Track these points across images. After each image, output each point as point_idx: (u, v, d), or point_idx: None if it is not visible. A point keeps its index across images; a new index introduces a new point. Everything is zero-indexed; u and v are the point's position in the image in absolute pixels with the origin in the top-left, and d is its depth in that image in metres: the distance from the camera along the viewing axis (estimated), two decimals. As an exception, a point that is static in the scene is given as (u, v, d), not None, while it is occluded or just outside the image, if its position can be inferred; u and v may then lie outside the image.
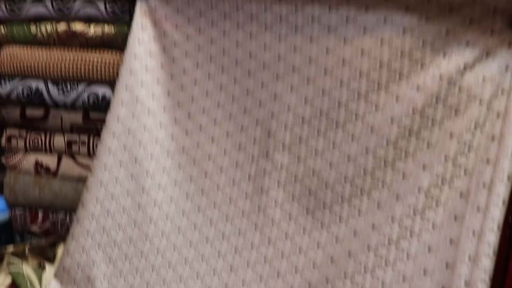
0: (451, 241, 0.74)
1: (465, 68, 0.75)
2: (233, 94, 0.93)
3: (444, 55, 0.76)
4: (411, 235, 0.78)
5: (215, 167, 0.94)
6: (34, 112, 1.08)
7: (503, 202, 0.71)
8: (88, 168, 1.06)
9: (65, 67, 1.04)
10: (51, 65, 1.05)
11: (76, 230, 0.94)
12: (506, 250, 0.76)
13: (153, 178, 0.95)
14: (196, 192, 0.94)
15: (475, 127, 0.75)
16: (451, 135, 0.77)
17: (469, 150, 0.75)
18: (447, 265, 0.74)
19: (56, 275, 0.93)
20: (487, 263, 0.70)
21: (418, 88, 0.79)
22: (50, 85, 1.06)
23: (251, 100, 0.92)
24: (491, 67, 0.74)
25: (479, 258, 0.71)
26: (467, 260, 0.72)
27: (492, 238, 0.71)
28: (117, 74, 0.99)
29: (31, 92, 1.06)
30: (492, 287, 0.75)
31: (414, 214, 0.78)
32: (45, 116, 1.08)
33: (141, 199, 0.94)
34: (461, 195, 0.75)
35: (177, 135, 0.96)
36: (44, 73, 1.06)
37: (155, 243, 0.92)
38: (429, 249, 0.76)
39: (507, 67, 0.73)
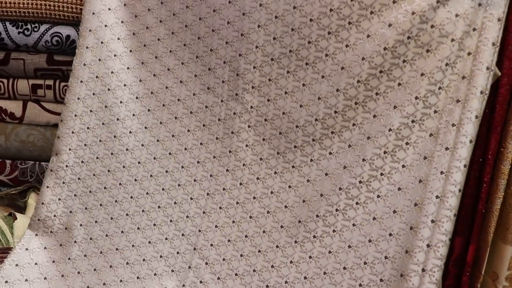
0: (420, 180, 0.75)
1: (438, 3, 0.73)
2: (198, 33, 0.90)
3: None
4: (381, 176, 0.78)
5: (184, 110, 0.92)
6: (-7, 56, 1.04)
7: (470, 141, 0.72)
8: (55, 113, 1.04)
9: (24, 6, 0.99)
10: (8, 3, 0.99)
11: (51, 180, 0.93)
12: (475, 190, 0.77)
13: (124, 124, 0.93)
14: (166, 136, 0.93)
15: (446, 66, 0.74)
16: (422, 74, 0.75)
17: (439, 90, 0.74)
18: (415, 205, 0.75)
19: (31, 226, 0.94)
20: (452, 201, 0.72)
21: (390, 25, 0.76)
22: (8, 26, 1.01)
23: (217, 39, 0.88)
24: (464, 3, 0.72)
25: (446, 196, 0.71)
26: (434, 199, 0.73)
27: (458, 176, 0.71)
28: (81, 14, 0.95)
29: (-13, 33, 1.01)
30: (461, 226, 0.77)
31: (385, 154, 0.78)
32: (6, 60, 1.03)
33: (113, 145, 0.93)
34: (430, 135, 0.75)
35: (145, 78, 0.94)
36: (1, 12, 1.00)
37: (128, 189, 0.92)
38: (399, 189, 0.77)
39: (480, 3, 0.71)
